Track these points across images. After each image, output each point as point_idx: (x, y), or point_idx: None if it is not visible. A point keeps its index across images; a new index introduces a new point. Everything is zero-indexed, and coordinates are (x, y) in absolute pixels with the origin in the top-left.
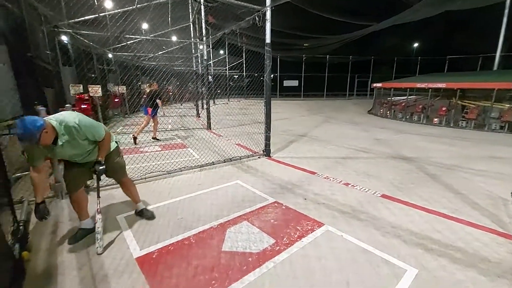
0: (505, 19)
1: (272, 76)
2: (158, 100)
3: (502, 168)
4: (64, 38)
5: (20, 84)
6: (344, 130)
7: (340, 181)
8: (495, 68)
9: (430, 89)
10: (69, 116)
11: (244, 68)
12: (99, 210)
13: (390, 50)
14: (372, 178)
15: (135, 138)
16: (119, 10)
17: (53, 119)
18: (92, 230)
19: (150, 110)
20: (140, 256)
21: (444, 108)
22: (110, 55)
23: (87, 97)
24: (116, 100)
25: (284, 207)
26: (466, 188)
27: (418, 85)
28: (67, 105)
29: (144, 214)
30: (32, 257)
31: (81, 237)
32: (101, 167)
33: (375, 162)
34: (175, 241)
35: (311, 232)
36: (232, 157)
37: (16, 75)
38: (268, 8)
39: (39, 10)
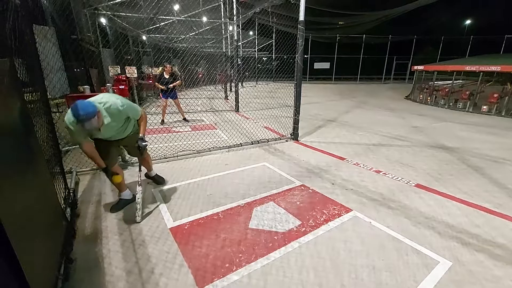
0: None
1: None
2: (176, 82)
3: None
4: (103, 21)
5: (67, 64)
6: (378, 116)
7: (371, 168)
8: None
9: (481, 73)
10: (111, 98)
11: (274, 50)
12: (140, 182)
13: (437, 29)
14: (406, 167)
15: (162, 121)
16: None
17: (97, 102)
18: (130, 201)
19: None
20: (174, 227)
21: (496, 95)
22: (144, 37)
23: (124, 78)
24: (150, 81)
25: (311, 191)
26: None
27: (468, 68)
28: (108, 84)
29: (156, 180)
30: (80, 222)
31: (122, 206)
32: (143, 143)
33: (411, 151)
34: (205, 216)
35: (338, 217)
36: (260, 140)
37: (64, 56)
38: None
39: None
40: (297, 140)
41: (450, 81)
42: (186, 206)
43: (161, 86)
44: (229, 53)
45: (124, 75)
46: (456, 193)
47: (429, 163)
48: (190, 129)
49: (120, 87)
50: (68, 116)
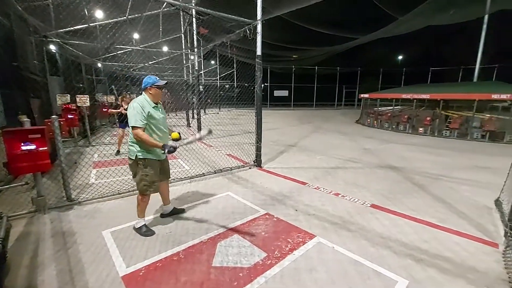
0: (483, 34)
1: (262, 86)
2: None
3: (485, 177)
4: (53, 48)
5: (5, 93)
6: (333, 140)
7: (330, 192)
8: (475, 79)
9: (414, 100)
10: None
11: (235, 78)
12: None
13: (376, 62)
14: (361, 188)
15: (118, 151)
16: (110, 21)
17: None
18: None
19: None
20: (127, 274)
21: (428, 118)
22: (99, 65)
23: (74, 107)
24: (104, 110)
25: (275, 219)
26: (452, 197)
27: (404, 96)
28: (53, 117)
29: (176, 212)
30: (12, 275)
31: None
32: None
33: (364, 172)
34: (164, 257)
35: (303, 245)
36: (223, 168)
37: (2, 85)
38: (259, 22)
39: (29, 21)
40: (261, 167)
41: (391, 107)
42: (142, 248)
43: (114, 111)
44: (191, 81)
45: (74, 104)
46: (406, 211)
47: (380, 183)
48: None
49: (69, 116)
50: (140, 98)
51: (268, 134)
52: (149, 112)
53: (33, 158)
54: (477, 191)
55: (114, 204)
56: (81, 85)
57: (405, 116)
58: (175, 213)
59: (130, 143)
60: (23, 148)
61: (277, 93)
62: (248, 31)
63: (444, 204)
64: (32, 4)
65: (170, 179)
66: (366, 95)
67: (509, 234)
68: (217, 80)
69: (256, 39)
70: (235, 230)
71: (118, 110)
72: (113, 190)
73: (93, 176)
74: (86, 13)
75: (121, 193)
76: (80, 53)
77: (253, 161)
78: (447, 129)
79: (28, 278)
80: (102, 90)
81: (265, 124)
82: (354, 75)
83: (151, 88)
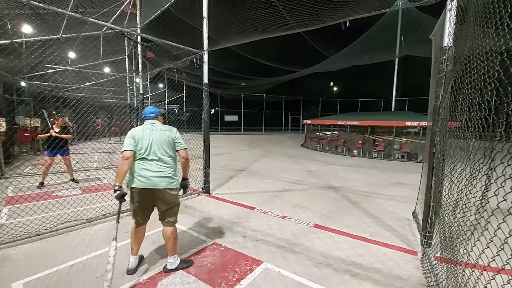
0: (395, 72)
1: (213, 110)
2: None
3: (406, 192)
4: None
5: None
6: (281, 164)
7: (277, 215)
8: (392, 109)
9: (348, 126)
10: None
11: (185, 103)
12: (115, 236)
13: (316, 92)
14: (305, 209)
15: (41, 183)
16: (39, 38)
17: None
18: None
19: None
20: None
21: (360, 142)
22: (23, 84)
23: None
24: (26, 135)
25: (222, 248)
26: (380, 212)
27: (339, 122)
28: None
29: (184, 267)
30: None
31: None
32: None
33: (308, 194)
34: None
35: (250, 273)
36: None
37: None
38: (205, 52)
39: None
40: (209, 194)
41: (330, 132)
42: None
43: (42, 136)
44: (135, 105)
45: None
46: (343, 228)
47: (322, 203)
48: (80, 192)
49: None
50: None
51: (218, 158)
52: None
53: None
54: (399, 206)
55: (29, 249)
56: None
57: (342, 140)
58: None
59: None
60: None
61: (227, 117)
62: (195, 60)
63: (374, 219)
64: None
65: (101, 215)
66: (309, 121)
67: (424, 243)
68: (165, 103)
69: (203, 67)
70: None
71: (48, 134)
72: (29, 231)
73: (3, 215)
74: (9, 28)
75: (39, 234)
76: None
77: (202, 188)
78: (375, 151)
79: None
80: (24, 112)
81: (215, 148)
82: (298, 103)
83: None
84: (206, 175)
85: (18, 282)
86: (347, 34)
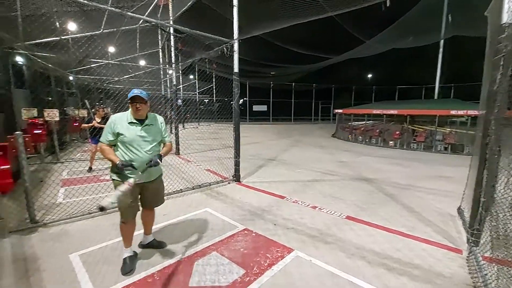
0: (440, 56)
1: (241, 101)
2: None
3: (449, 186)
4: (19, 60)
5: None
6: (311, 153)
7: (308, 205)
8: (435, 97)
9: (384, 115)
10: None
11: (214, 93)
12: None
13: (349, 79)
14: (338, 200)
15: (90, 168)
16: (84, 34)
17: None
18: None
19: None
20: None
21: (397, 132)
22: (71, 78)
23: (41, 122)
24: (75, 124)
25: (254, 234)
26: (420, 206)
27: (374, 111)
28: (17, 133)
29: (155, 246)
30: None
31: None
32: (158, 159)
33: (340, 184)
34: (137, 280)
35: (281, 259)
36: (202, 184)
37: None
38: (236, 41)
39: None
40: (240, 182)
41: (363, 122)
42: (114, 272)
43: (86, 125)
44: (169, 96)
45: (41, 119)
46: (379, 221)
47: (355, 194)
48: None
49: (35, 131)
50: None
51: (247, 148)
52: (118, 128)
53: None
54: (442, 200)
55: (83, 225)
56: (50, 98)
57: (377, 130)
58: (154, 246)
59: None
60: None
61: (256, 107)
62: (225, 49)
63: (413, 213)
64: None
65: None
66: (340, 111)
67: (470, 241)
68: (196, 94)
69: (233, 57)
70: (213, 247)
71: (91, 124)
72: (82, 210)
73: (60, 195)
74: (58, 26)
75: (91, 213)
76: (50, 66)
77: (232, 176)
78: (414, 142)
79: None
80: (73, 103)
81: (244, 138)
82: (329, 92)
83: (130, 102)
84: (237, 164)
85: (74, 253)
86: (385, 15)
